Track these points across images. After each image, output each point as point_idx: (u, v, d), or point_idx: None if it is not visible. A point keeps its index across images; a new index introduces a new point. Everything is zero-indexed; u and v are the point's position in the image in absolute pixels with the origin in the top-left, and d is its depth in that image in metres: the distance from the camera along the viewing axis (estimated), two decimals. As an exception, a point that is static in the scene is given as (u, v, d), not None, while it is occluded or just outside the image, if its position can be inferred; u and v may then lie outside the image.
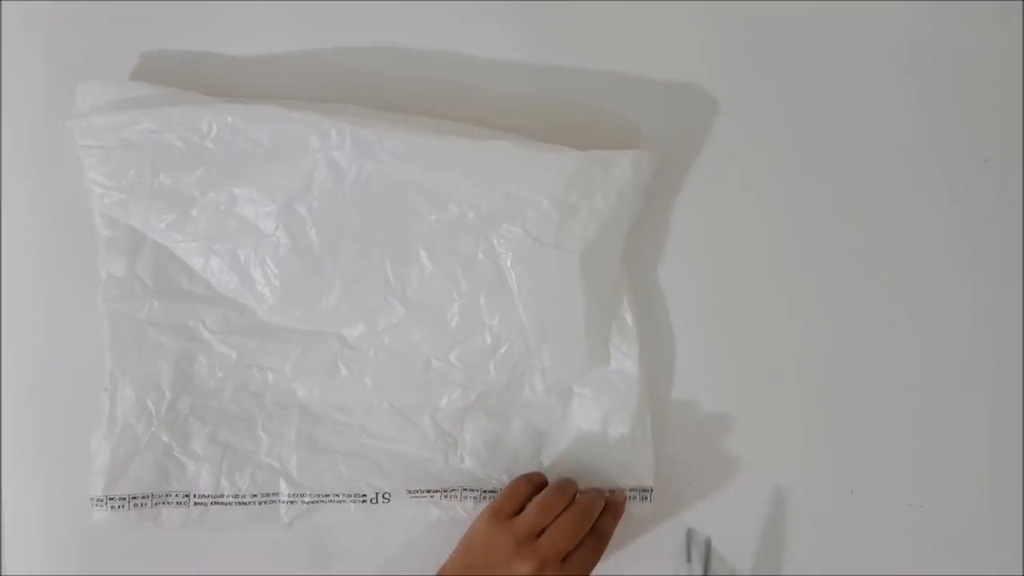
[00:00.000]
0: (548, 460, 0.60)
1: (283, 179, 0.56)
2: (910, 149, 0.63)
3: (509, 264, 0.57)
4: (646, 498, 0.59)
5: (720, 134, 0.62)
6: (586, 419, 0.60)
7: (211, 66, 0.61)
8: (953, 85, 0.63)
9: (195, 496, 0.58)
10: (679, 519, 0.61)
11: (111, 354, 0.58)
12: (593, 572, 0.55)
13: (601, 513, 0.56)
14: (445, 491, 0.59)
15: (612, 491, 0.59)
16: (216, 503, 0.58)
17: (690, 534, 0.61)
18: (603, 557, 0.56)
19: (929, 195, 0.63)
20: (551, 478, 0.59)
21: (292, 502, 0.58)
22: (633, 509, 0.59)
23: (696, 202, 0.62)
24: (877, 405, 0.62)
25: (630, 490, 0.59)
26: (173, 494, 0.58)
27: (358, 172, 0.56)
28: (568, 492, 0.56)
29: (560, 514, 0.54)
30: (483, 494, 0.59)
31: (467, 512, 0.59)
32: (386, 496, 0.59)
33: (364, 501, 0.59)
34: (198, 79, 0.60)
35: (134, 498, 0.57)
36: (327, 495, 0.58)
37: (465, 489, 0.59)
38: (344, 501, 0.59)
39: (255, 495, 0.58)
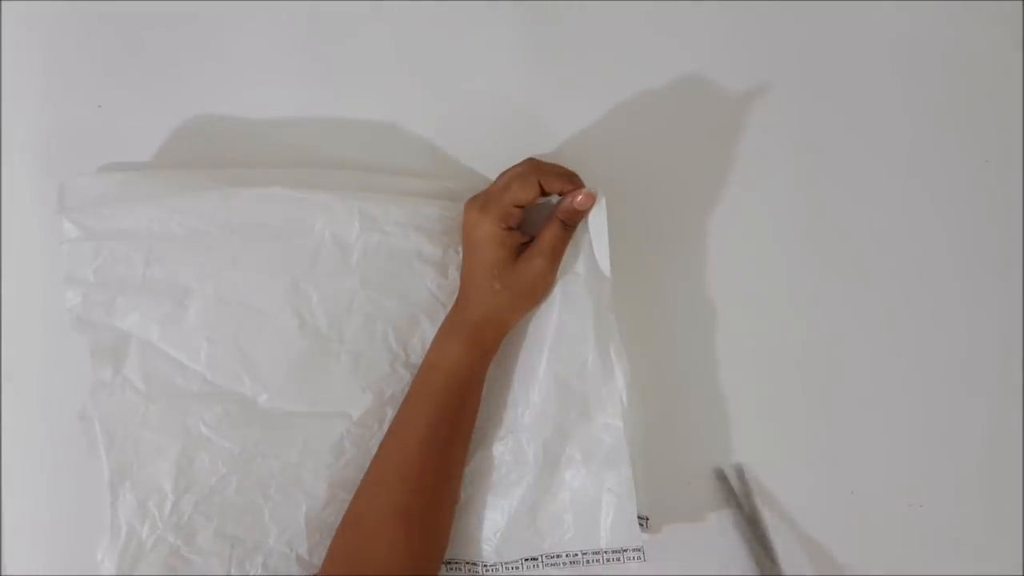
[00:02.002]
0: (543, 525, 0.58)
1: (289, 259, 0.56)
2: (910, 149, 0.63)
3: None
4: (640, 557, 0.56)
5: (718, 137, 0.62)
6: (577, 479, 0.57)
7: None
8: (953, 85, 0.63)
9: None
10: (678, 520, 0.61)
11: (107, 462, 0.56)
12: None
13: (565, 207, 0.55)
14: (448, 562, 0.58)
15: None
16: None
17: (720, 474, 0.60)
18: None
19: (929, 195, 0.63)
20: (550, 538, 0.58)
21: None
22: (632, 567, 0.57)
23: (691, 215, 0.62)
24: (877, 406, 0.62)
25: (623, 550, 0.57)
26: None
27: (364, 246, 0.57)
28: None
29: None
30: (486, 568, 0.58)
31: None
32: None
33: None
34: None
35: None
36: None
37: (467, 563, 0.58)
38: None
39: None
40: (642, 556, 0.56)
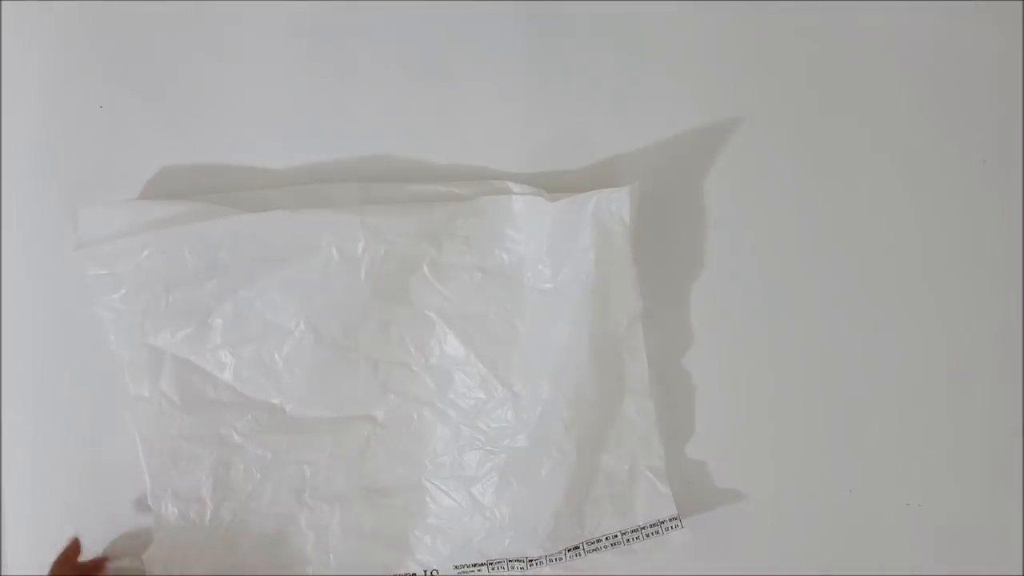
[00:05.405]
0: (583, 514, 0.59)
1: (300, 277, 0.57)
2: (910, 149, 0.63)
3: (516, 317, 0.59)
4: (678, 525, 0.59)
5: (719, 139, 0.62)
6: (612, 461, 0.59)
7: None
8: (953, 85, 0.63)
9: None
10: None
11: (148, 475, 0.58)
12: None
13: None
14: (491, 563, 0.58)
15: None
16: None
17: None
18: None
19: (929, 195, 0.63)
20: (589, 524, 0.58)
21: None
22: (674, 538, 0.59)
23: (698, 212, 0.62)
24: (877, 405, 0.62)
25: (660, 522, 0.59)
26: None
27: (372, 258, 0.57)
28: None
29: None
30: (529, 562, 0.58)
31: None
32: (434, 573, 0.59)
33: None
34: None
35: None
36: None
37: (511, 560, 0.58)
38: None
39: None
40: (680, 524, 0.58)
